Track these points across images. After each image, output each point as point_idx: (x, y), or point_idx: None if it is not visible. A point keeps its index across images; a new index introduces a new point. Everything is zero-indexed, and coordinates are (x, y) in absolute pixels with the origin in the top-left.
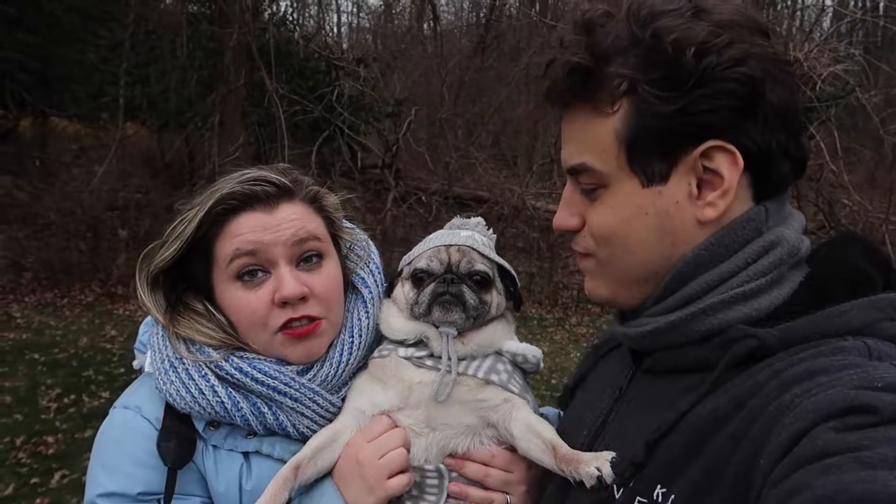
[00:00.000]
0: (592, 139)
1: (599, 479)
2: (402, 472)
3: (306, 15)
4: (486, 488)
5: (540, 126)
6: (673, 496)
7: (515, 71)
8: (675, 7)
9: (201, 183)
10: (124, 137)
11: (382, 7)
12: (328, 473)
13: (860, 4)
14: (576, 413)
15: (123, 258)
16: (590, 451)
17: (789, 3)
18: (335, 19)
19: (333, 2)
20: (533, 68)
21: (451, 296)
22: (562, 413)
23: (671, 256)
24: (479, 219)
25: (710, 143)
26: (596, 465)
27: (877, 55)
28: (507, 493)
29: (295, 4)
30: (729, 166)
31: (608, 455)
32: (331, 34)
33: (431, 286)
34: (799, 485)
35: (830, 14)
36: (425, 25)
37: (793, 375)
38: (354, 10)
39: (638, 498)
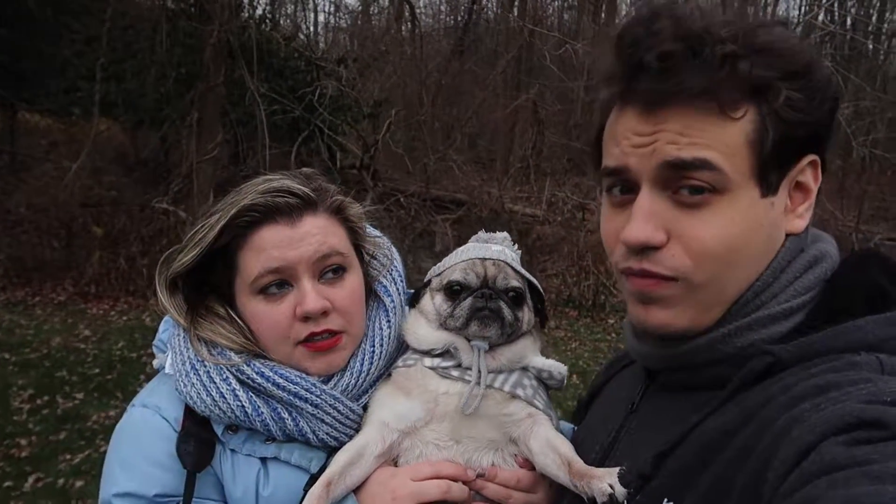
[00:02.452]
0: (718, 139)
1: (611, 496)
2: None
3: (283, 13)
4: None
5: (517, 130)
6: None
7: (493, 74)
8: (773, 21)
9: (178, 181)
10: (97, 133)
11: (360, 7)
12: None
13: (830, 18)
14: (589, 428)
15: (97, 256)
16: (602, 465)
17: (762, 14)
18: (312, 18)
19: (311, 0)
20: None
21: (490, 311)
22: (575, 428)
23: (761, 272)
24: (505, 233)
25: (812, 156)
26: (609, 481)
27: (846, 68)
28: None
29: (273, 2)
30: (815, 179)
31: (619, 470)
32: (307, 33)
33: (469, 300)
34: (807, 498)
35: (801, 27)
36: (403, 28)
37: (803, 390)
38: (332, 9)
39: None
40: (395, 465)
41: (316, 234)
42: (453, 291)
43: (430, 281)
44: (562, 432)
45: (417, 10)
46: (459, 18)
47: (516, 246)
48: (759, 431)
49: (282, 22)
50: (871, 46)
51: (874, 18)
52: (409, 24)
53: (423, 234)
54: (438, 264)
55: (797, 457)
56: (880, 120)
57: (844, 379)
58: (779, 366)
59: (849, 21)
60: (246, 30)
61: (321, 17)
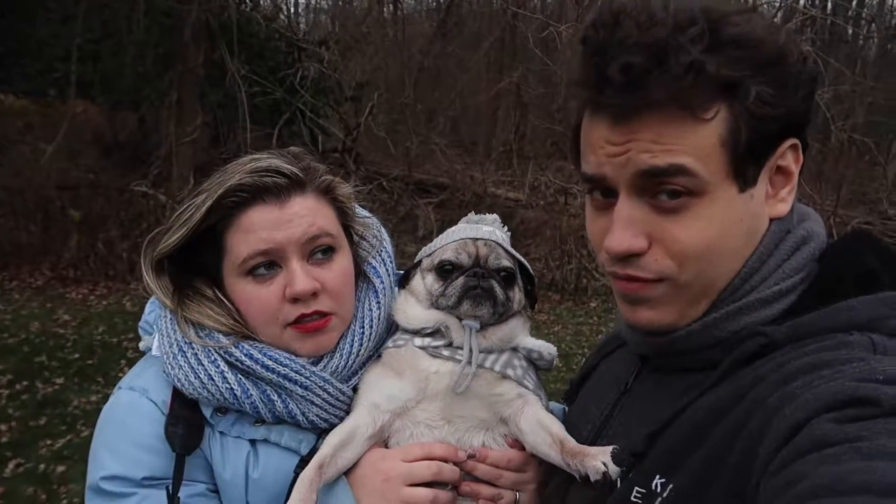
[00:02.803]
0: (691, 143)
1: (605, 473)
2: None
3: None
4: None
5: (500, 113)
6: (672, 486)
7: (476, 57)
8: (740, 8)
9: (157, 164)
10: (74, 115)
11: None
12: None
13: (811, 2)
14: (581, 408)
15: (75, 240)
16: (594, 444)
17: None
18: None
19: None
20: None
21: (483, 290)
22: (566, 408)
23: (746, 259)
24: (495, 215)
25: (791, 140)
26: (602, 459)
27: (826, 52)
28: (517, 492)
29: None
30: (796, 162)
31: (612, 449)
32: (287, 14)
33: (461, 279)
34: (798, 474)
35: (782, 11)
36: (385, 10)
37: (796, 368)
38: None
39: (636, 488)
40: (387, 446)
41: (304, 214)
42: (445, 271)
43: (420, 261)
44: (551, 412)
45: None
46: (442, 0)
47: (505, 228)
48: (751, 409)
49: (262, 2)
50: (850, 31)
51: (854, 3)
52: (391, 6)
53: (405, 218)
54: (429, 245)
55: (788, 433)
56: (860, 104)
57: (837, 358)
58: (772, 346)
59: (829, 5)
60: (225, 10)
61: None
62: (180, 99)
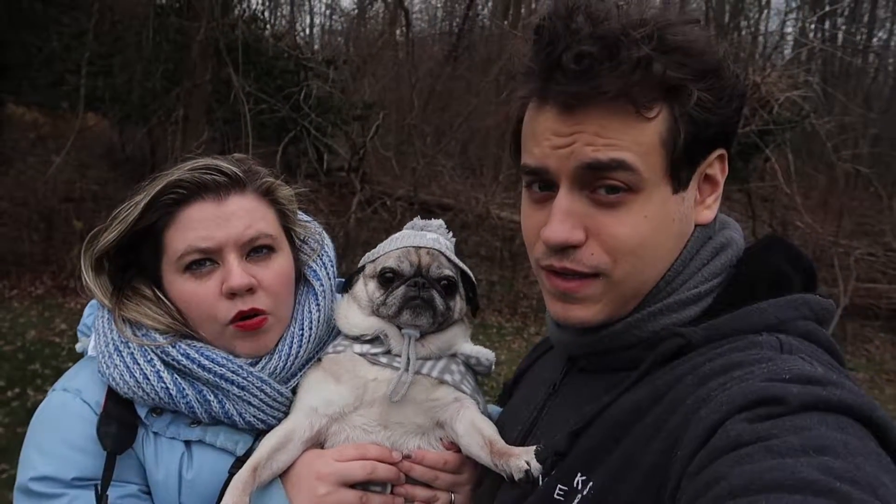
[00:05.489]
0: (633, 139)
1: (527, 472)
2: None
3: (279, 14)
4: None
5: (508, 137)
6: (591, 483)
7: (486, 81)
8: (686, 19)
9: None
10: (84, 128)
11: (356, 10)
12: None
13: (820, 35)
14: (512, 409)
15: (77, 251)
16: (523, 445)
17: (752, 29)
18: (308, 20)
19: (307, 2)
20: (506, 73)
21: (423, 301)
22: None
23: (672, 262)
24: (440, 221)
25: (721, 151)
26: (525, 458)
27: (833, 84)
28: (452, 493)
29: (267, 3)
30: (722, 172)
31: (535, 448)
32: (302, 35)
33: (402, 289)
34: (716, 476)
35: (792, 42)
36: (398, 32)
37: (710, 370)
38: (327, 12)
39: (559, 486)
40: (322, 448)
41: (242, 215)
42: (386, 279)
43: (363, 267)
44: (492, 416)
45: (413, 16)
46: (454, 24)
47: (451, 234)
48: (669, 411)
49: (275, 23)
50: (859, 63)
51: (863, 37)
52: (403, 28)
53: None
54: (373, 250)
55: (705, 435)
56: (862, 136)
57: (747, 358)
58: (689, 347)
59: (839, 38)
60: (234, 28)
61: (318, 20)
62: (187, 114)
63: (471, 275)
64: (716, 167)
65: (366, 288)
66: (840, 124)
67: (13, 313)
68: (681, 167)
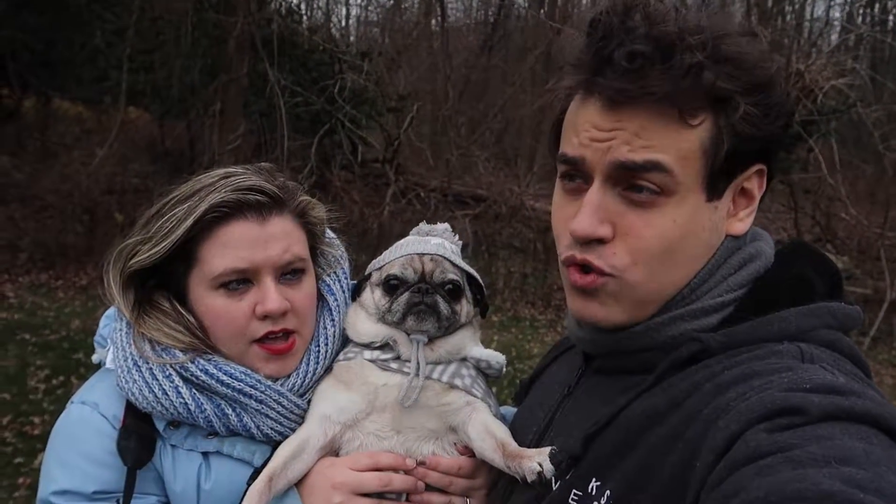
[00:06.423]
0: (673, 143)
1: (540, 474)
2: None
3: (315, 6)
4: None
5: (543, 127)
6: (608, 491)
7: (521, 71)
8: (743, 31)
9: (201, 171)
10: (127, 122)
11: (391, 1)
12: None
13: (868, 20)
14: (527, 410)
15: (118, 244)
16: (538, 446)
17: (797, 14)
18: (343, 12)
19: None
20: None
21: (426, 306)
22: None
23: (699, 270)
24: (446, 225)
25: (760, 166)
26: (538, 460)
27: (882, 71)
28: (467, 497)
29: None
30: (759, 187)
31: (550, 450)
32: (338, 26)
33: (406, 295)
34: (735, 488)
35: (839, 28)
36: (433, 22)
37: (729, 378)
38: (363, 3)
39: (574, 491)
40: (337, 456)
41: (281, 238)
42: (391, 286)
43: (370, 274)
44: (506, 418)
45: (448, 5)
46: (490, 14)
47: (457, 237)
48: (687, 419)
49: (311, 15)
50: None
51: None
52: (438, 18)
53: None
54: (379, 258)
55: (724, 445)
56: None
57: (767, 367)
58: (706, 353)
59: (890, 23)
60: (271, 22)
61: (354, 11)
62: (224, 108)
63: (478, 277)
64: (753, 182)
65: (372, 295)
66: (889, 113)
67: (58, 303)
68: (718, 178)
